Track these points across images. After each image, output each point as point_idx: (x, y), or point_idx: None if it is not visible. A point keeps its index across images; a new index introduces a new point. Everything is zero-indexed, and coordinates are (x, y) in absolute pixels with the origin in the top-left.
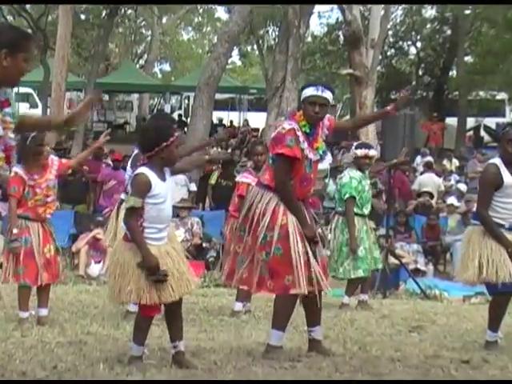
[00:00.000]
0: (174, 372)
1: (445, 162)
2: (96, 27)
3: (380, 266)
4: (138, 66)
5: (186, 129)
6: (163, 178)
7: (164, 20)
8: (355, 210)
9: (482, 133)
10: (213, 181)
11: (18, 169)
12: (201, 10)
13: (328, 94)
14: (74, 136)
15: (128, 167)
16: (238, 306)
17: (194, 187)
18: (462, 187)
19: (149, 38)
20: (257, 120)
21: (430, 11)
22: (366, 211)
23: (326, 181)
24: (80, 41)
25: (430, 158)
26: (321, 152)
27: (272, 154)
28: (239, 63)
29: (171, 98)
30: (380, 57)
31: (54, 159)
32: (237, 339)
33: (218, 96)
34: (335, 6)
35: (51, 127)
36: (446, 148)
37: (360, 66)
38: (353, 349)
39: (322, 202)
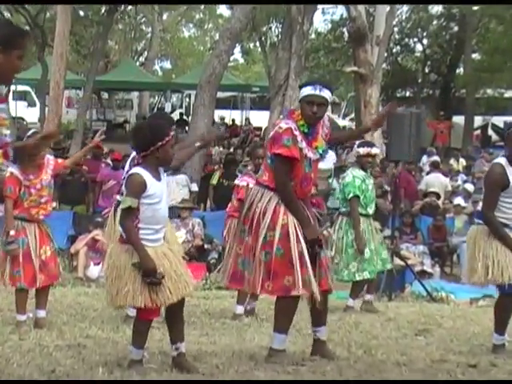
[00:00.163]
0: (175, 376)
1: (452, 161)
2: (95, 24)
3: (389, 266)
4: (138, 63)
5: (187, 128)
6: (158, 178)
7: (164, 17)
8: (359, 209)
9: (490, 132)
10: (214, 181)
11: (13, 169)
12: (202, 7)
13: (326, 93)
14: (73, 135)
15: (127, 167)
16: (240, 309)
17: (195, 187)
18: (469, 187)
19: (149, 35)
20: (259, 119)
21: (436, 7)
22: (371, 211)
23: (330, 181)
24: (79, 38)
25: (436, 158)
26: (321, 151)
27: (270, 154)
28: (241, 60)
29: (172, 96)
30: (385, 54)
31: (49, 159)
32: (239, 343)
33: (220, 94)
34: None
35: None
36: (453, 147)
37: (365, 64)
38: (357, 352)
39: (326, 202)
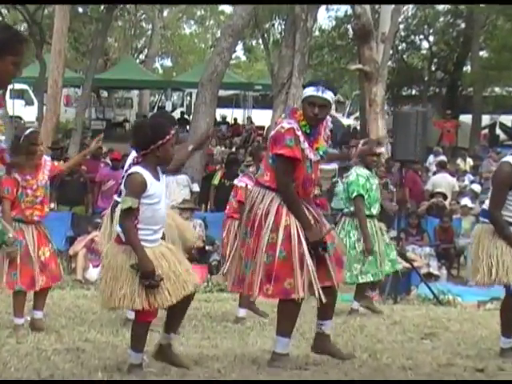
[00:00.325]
0: (176, 380)
1: (459, 161)
2: (94, 21)
3: (399, 267)
4: (138, 61)
5: (188, 127)
6: (158, 178)
7: (165, 13)
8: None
9: (498, 131)
10: (216, 181)
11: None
12: None
13: (329, 95)
14: (72, 134)
15: (126, 167)
16: (242, 312)
17: (196, 188)
18: (476, 188)
19: (149, 32)
20: (262, 118)
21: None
22: (375, 211)
23: (334, 180)
24: (78, 35)
25: (443, 158)
26: (321, 152)
27: (271, 154)
28: (244, 58)
29: (173, 94)
30: (391, 51)
31: (46, 160)
32: (241, 346)
33: (222, 92)
34: None
35: None
36: (460, 147)
37: (370, 61)
38: (362, 356)
39: (330, 202)
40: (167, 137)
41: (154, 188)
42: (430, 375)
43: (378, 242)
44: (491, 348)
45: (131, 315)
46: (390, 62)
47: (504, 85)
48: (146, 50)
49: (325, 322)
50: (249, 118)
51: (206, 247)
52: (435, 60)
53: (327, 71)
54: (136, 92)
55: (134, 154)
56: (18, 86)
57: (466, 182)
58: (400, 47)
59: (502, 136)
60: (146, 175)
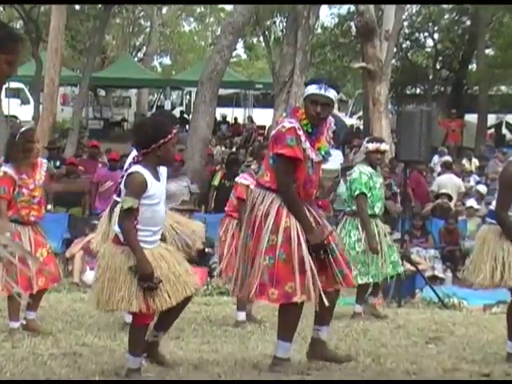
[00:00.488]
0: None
1: (464, 161)
2: (92, 18)
3: (400, 269)
4: (136, 59)
5: (187, 126)
6: (158, 178)
7: (164, 10)
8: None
9: (504, 130)
10: (216, 182)
11: (7, 168)
12: None
13: (332, 93)
14: (68, 134)
15: (127, 166)
16: (242, 315)
17: (195, 189)
18: (482, 189)
19: (148, 30)
20: (263, 117)
21: None
22: (377, 210)
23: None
24: (75, 32)
25: (448, 158)
26: (323, 153)
27: (272, 154)
28: (244, 56)
29: (172, 93)
30: (395, 49)
31: (43, 162)
32: (242, 351)
33: (222, 91)
34: None
35: None
36: (466, 147)
37: (373, 60)
38: (366, 361)
39: (333, 204)
40: (169, 136)
41: (155, 188)
42: (435, 380)
43: (380, 243)
44: (497, 352)
45: (129, 319)
46: (393, 60)
47: (510, 83)
48: (144, 47)
49: (321, 328)
50: (249, 118)
51: (206, 249)
52: (440, 58)
53: (329, 69)
54: (134, 91)
55: (134, 153)
56: (13, 84)
57: (472, 183)
58: (404, 45)
59: (509, 136)
60: (147, 175)
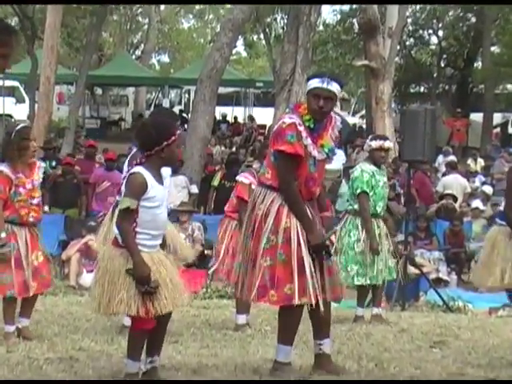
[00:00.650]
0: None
1: (469, 161)
2: (88, 15)
3: (394, 276)
4: (133, 57)
5: (186, 126)
6: (160, 181)
7: (162, 7)
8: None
9: (510, 129)
10: (215, 182)
11: (3, 167)
12: None
13: (335, 87)
14: (65, 133)
15: (125, 168)
16: (241, 318)
17: (195, 189)
18: (488, 189)
19: (146, 27)
20: (264, 116)
21: None
22: (379, 210)
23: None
24: (71, 30)
25: (453, 158)
26: (326, 150)
27: (273, 151)
28: (244, 54)
29: (170, 91)
30: (398, 47)
31: (41, 165)
32: (242, 355)
33: (222, 90)
34: None
35: None
36: (471, 146)
37: (376, 57)
38: (368, 366)
39: (334, 204)
40: (172, 138)
41: (155, 191)
42: None
43: (380, 245)
44: (503, 357)
45: (127, 322)
46: (397, 58)
47: None
48: (142, 45)
49: (324, 341)
50: (250, 117)
51: (205, 251)
52: (444, 56)
53: (332, 67)
54: (132, 89)
55: (134, 152)
56: (8, 82)
57: (477, 184)
58: (408, 42)
59: None
60: (148, 176)
